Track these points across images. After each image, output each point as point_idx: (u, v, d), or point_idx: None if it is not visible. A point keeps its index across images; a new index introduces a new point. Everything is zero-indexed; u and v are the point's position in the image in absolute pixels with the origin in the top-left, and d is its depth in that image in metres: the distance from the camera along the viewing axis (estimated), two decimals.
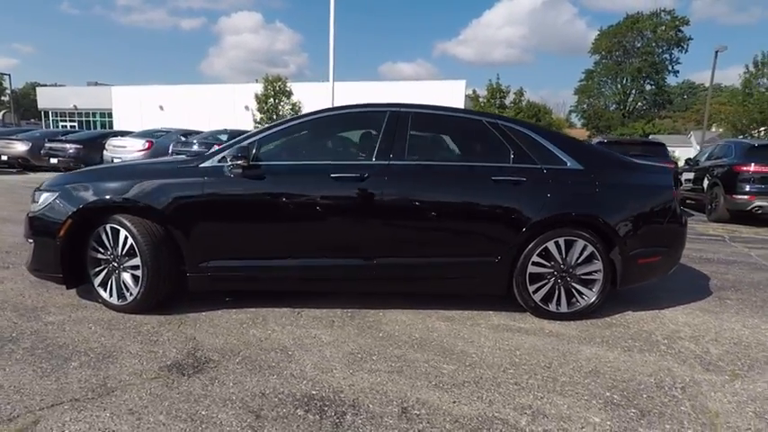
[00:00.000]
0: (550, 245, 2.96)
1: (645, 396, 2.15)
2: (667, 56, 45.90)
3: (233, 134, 11.86)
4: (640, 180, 3.13)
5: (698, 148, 23.81)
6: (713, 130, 28.21)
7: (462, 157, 3.10)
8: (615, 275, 3.04)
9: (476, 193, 2.95)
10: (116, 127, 33.22)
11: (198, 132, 12.86)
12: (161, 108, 34.38)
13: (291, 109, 27.65)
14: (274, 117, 27.49)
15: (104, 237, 2.85)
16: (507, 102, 26.16)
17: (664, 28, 44.23)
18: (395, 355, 2.48)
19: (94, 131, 17.62)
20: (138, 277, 2.80)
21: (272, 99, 28.08)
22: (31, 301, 3.06)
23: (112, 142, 11.38)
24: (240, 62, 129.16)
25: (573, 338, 2.78)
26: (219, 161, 2.88)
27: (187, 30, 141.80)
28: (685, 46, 44.91)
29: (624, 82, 46.76)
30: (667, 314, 3.26)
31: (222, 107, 32.68)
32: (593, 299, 3.02)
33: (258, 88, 28.07)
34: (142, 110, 34.61)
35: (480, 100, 26.42)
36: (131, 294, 2.84)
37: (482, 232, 2.96)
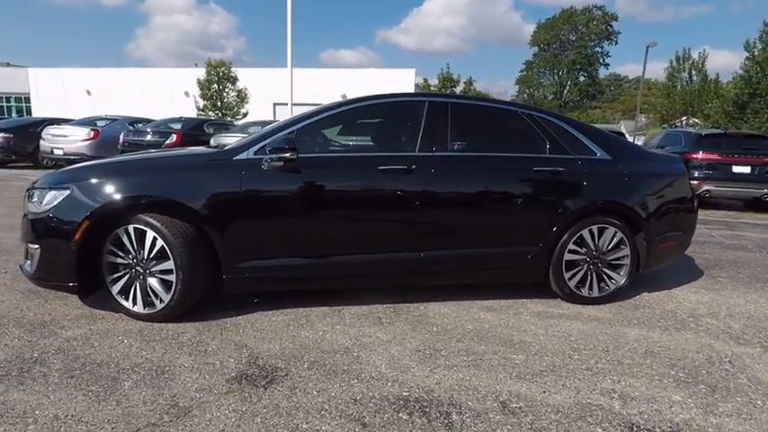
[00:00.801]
0: (585, 232, 3.07)
1: (704, 372, 2.30)
2: (599, 49, 49.16)
3: (188, 122, 11.12)
4: (659, 169, 3.32)
5: (629, 136, 25.76)
6: (642, 119, 30.69)
7: (502, 148, 3.09)
8: (639, 260, 3.21)
9: (520, 183, 2.97)
10: (35, 113, 29.94)
11: (148, 120, 11.88)
12: (88, 93, 31.36)
13: (237, 96, 26.39)
14: (219, 104, 26.14)
15: (126, 239, 2.54)
16: (458, 91, 26.66)
17: (595, 22, 47.20)
18: (461, 349, 2.45)
19: (25, 118, 15.70)
20: (170, 283, 2.54)
21: (215, 85, 26.65)
22: (33, 314, 2.68)
23: (51, 131, 10.17)
24: (172, 44, 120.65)
25: (612, 321, 2.91)
26: (257, 153, 2.66)
27: (110, 8, 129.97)
28: (615, 39, 48.30)
29: (561, 73, 49.46)
30: (678, 294, 3.51)
31: (159, 93, 30.43)
32: (622, 282, 3.17)
33: (200, 73, 26.47)
34: (66, 94, 31.33)
35: (432, 89, 26.72)
36: (162, 302, 2.57)
37: (525, 222, 2.99)
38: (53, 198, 2.52)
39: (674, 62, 27.90)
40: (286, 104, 30.93)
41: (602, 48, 48.58)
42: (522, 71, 53.88)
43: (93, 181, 2.54)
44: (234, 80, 26.85)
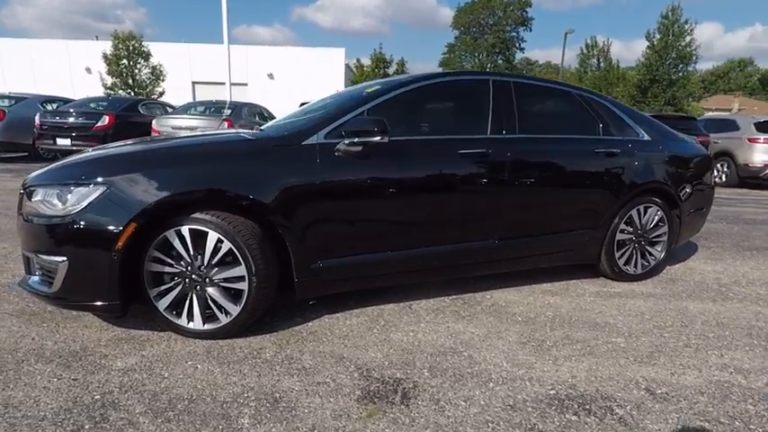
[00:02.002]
0: (633, 212, 3.14)
1: None
2: (515, 34, 51.70)
3: (118, 102, 9.72)
4: (690, 149, 3.49)
5: None
6: None
7: (562, 129, 3.03)
8: (674, 235, 3.39)
9: (584, 165, 2.93)
10: None
11: (64, 100, 10.15)
12: None
13: (152, 73, 23.83)
14: (130, 82, 23.43)
15: (178, 243, 2.08)
16: (390, 71, 26.54)
17: (512, 8, 49.54)
18: (561, 337, 2.37)
19: None
20: (239, 292, 2.14)
21: (125, 60, 23.77)
22: (53, 343, 2.10)
23: None
24: (57, 13, 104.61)
25: (666, 296, 3.03)
26: (327, 136, 2.31)
27: None
28: (529, 25, 51.14)
29: (481, 57, 51.41)
30: (694, 265, 3.77)
31: (53, 68, 26.50)
32: (660, 257, 3.33)
33: (104, 47, 23.41)
34: None
35: (365, 69, 26.30)
36: (228, 315, 2.16)
37: (587, 205, 2.98)
38: (82, 196, 1.97)
39: (584, 49, 30.31)
40: (206, 84, 28.91)
41: (518, 32, 51.30)
42: (444, 54, 55.21)
43: (138, 173, 2.02)
44: (146, 55, 24.18)
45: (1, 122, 8.35)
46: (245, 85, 27.87)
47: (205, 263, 2.11)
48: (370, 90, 2.59)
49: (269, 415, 1.66)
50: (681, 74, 24.51)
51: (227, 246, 2.09)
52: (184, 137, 2.62)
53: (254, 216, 2.16)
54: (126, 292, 2.07)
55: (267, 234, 2.21)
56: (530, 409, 1.76)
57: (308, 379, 1.90)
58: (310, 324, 2.43)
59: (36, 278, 2.16)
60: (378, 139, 2.22)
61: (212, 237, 2.08)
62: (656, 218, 3.25)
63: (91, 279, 1.99)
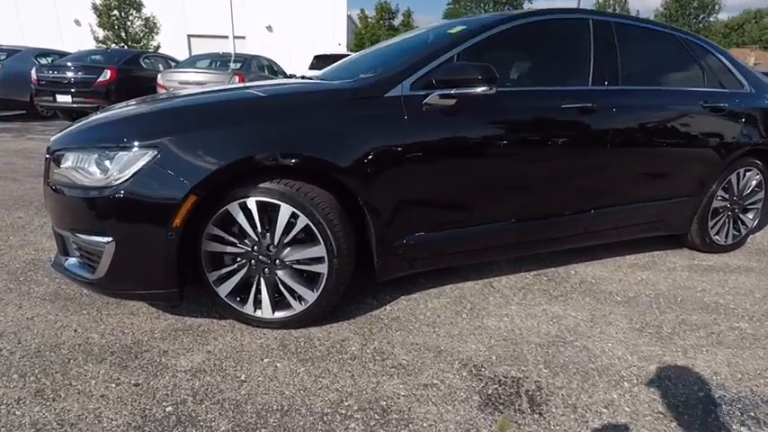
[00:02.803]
0: (733, 176, 2.78)
1: None
2: None
3: (118, 55, 9.03)
4: None
5: None
6: None
7: (667, 80, 2.61)
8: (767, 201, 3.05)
9: (690, 123, 2.52)
10: None
11: (60, 53, 9.41)
12: None
13: (145, 25, 22.53)
14: (123, 35, 22.19)
15: (242, 218, 1.74)
16: (396, 23, 25.24)
17: None
18: (675, 321, 2.06)
19: None
20: (316, 275, 1.81)
21: (116, 12, 22.40)
22: (100, 336, 1.77)
23: None
24: None
25: (766, 271, 2.75)
26: (414, 87, 1.90)
27: None
28: None
29: (487, 7, 49.06)
30: (763, 238, 3.48)
31: (39, 20, 25.05)
32: (753, 226, 3.01)
33: None
34: None
35: (369, 20, 24.98)
36: (303, 301, 1.84)
37: (689, 169, 2.59)
38: (127, 163, 1.58)
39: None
40: (203, 37, 27.49)
41: None
42: (449, 4, 52.64)
43: (195, 133, 1.63)
44: (138, 5, 22.79)
45: None
46: (243, 38, 26.55)
47: (275, 242, 1.77)
48: (453, 31, 2.15)
49: (382, 431, 1.39)
50: (701, 24, 23.42)
51: (302, 221, 1.74)
52: (237, 87, 2.20)
53: (332, 185, 1.81)
54: (183, 277, 1.76)
55: (349, 207, 1.87)
56: (686, 417, 1.49)
57: (411, 380, 1.61)
58: (388, 308, 2.13)
59: (74, 261, 1.82)
60: (483, 89, 1.80)
61: (285, 211, 1.73)
62: (754, 182, 2.88)
63: (143, 263, 1.65)
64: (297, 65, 16.50)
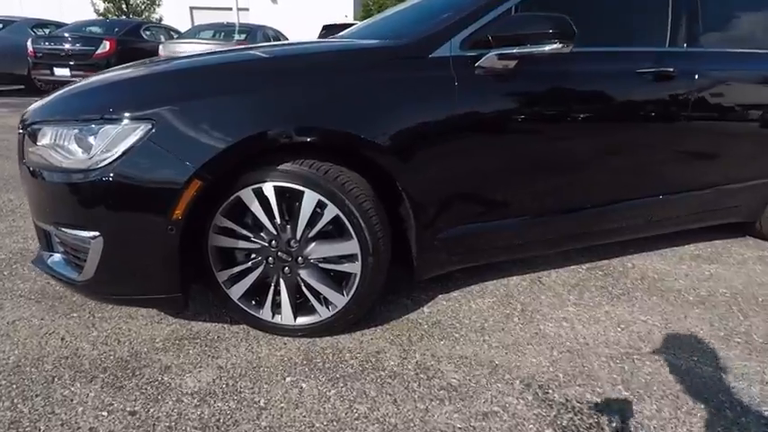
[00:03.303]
0: None
1: None
2: None
3: (118, 25, 8.60)
4: None
5: None
6: None
7: (749, 42, 2.23)
8: None
9: None
10: None
11: (57, 24, 8.97)
12: None
13: None
14: (124, 7, 21.53)
15: (257, 207, 1.43)
16: None
17: None
18: (765, 327, 1.76)
19: None
20: (346, 276, 1.51)
21: None
22: (90, 345, 1.49)
23: None
24: None
25: None
26: (464, 45, 1.54)
27: None
28: None
29: None
30: None
31: None
32: None
33: None
34: None
35: None
36: (330, 306, 1.54)
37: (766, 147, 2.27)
38: (114, 140, 1.26)
39: None
40: (206, 9, 26.67)
41: None
42: None
43: (198, 102, 1.30)
44: None
45: None
46: (247, 10, 25.70)
47: (297, 235, 1.46)
48: None
49: None
50: None
51: (331, 212, 1.43)
52: (249, 47, 1.85)
53: (365, 167, 1.49)
54: (187, 278, 1.47)
55: (385, 193, 1.55)
56: None
57: (466, 407, 1.33)
58: (426, 310, 1.84)
59: (59, 258, 1.53)
60: (553, 48, 1.45)
61: (309, 198, 1.41)
62: None
63: (138, 263, 1.35)
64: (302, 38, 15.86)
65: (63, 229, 1.41)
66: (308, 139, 1.36)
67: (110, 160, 1.26)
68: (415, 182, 1.50)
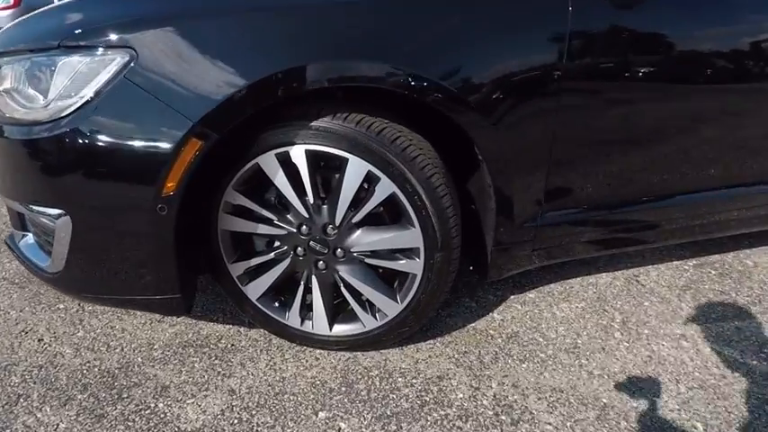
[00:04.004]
0: None
1: None
2: None
3: None
4: None
5: None
6: None
7: None
8: None
9: None
10: None
11: None
12: None
13: None
14: None
15: (282, 179, 1.03)
16: None
17: None
18: None
19: None
20: (402, 276, 1.11)
21: None
22: (72, 350, 1.17)
23: None
24: None
25: None
26: None
27: None
28: None
29: None
30: None
31: None
32: None
33: None
34: None
35: None
36: (379, 314, 1.13)
37: None
38: (82, 76, 0.87)
39: None
40: None
41: None
42: None
43: (196, 23, 0.89)
44: None
45: (17, 10, 7.13)
46: None
47: (336, 219, 1.06)
48: None
49: None
50: None
51: (385, 188, 1.01)
52: None
53: (433, 128, 1.08)
54: (188, 273, 1.12)
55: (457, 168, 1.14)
56: None
57: None
58: (497, 316, 1.45)
59: (32, 241, 1.21)
60: None
61: (355, 168, 0.99)
62: None
63: (119, 253, 1.00)
64: None
65: (29, 205, 1.07)
66: (362, 82, 0.95)
67: (73, 108, 0.88)
68: (503, 148, 1.06)
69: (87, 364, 1.16)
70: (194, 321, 1.33)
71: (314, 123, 0.97)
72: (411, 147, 0.99)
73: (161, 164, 0.88)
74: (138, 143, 0.88)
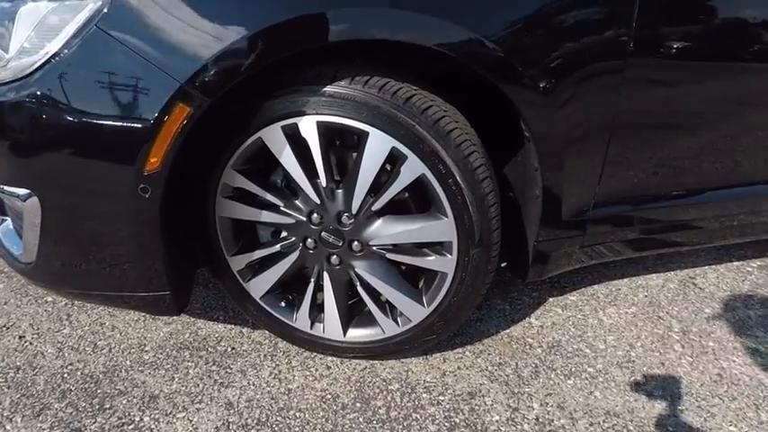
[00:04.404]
0: None
1: None
2: None
3: None
4: None
5: None
6: None
7: None
8: None
9: None
10: None
11: None
12: None
13: None
14: None
15: (289, 157, 0.86)
16: None
17: None
18: None
19: None
20: (432, 276, 0.93)
21: None
22: (54, 350, 1.03)
23: None
24: None
25: None
26: None
27: None
28: None
29: None
30: None
31: None
32: None
33: None
34: None
35: None
36: (401, 319, 0.96)
37: None
38: (46, 25, 0.72)
39: None
40: None
41: None
42: None
43: None
44: None
45: None
46: None
47: (353, 207, 0.89)
48: None
49: None
50: None
51: (413, 169, 0.82)
52: None
53: (470, 98, 0.91)
54: (181, 267, 0.98)
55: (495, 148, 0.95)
56: None
57: None
58: (535, 321, 1.27)
59: (10, 226, 1.08)
60: None
61: (377, 144, 0.81)
62: None
63: (96, 241, 0.86)
64: None
65: (1, 185, 0.93)
66: (393, 36, 0.77)
67: (36, 65, 0.73)
68: (558, 125, 0.88)
69: (69, 367, 1.03)
70: (192, 320, 1.19)
71: (328, 89, 0.80)
72: (446, 119, 0.81)
73: (142, 134, 0.73)
74: (113, 108, 0.73)
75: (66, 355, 1.06)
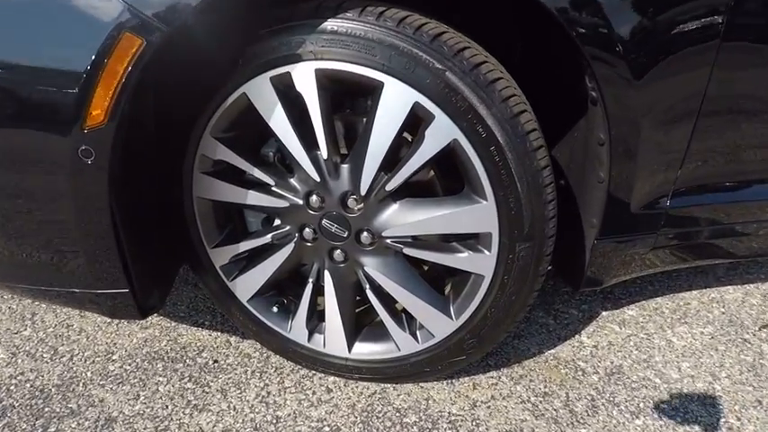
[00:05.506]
0: None
1: None
2: None
3: None
4: None
5: None
6: None
7: None
8: None
9: None
10: None
11: None
12: None
13: None
14: None
15: (282, 120, 0.66)
16: None
17: None
18: None
19: None
20: (463, 278, 0.72)
21: None
22: (8, 356, 0.95)
23: None
24: None
25: None
26: None
27: None
28: None
29: None
30: None
31: None
32: None
33: None
34: None
35: None
36: (423, 334, 0.75)
37: None
38: None
39: None
40: None
41: None
42: None
43: None
44: None
45: None
46: None
47: (362, 186, 0.69)
48: None
49: None
50: None
51: (441, 132, 0.61)
52: None
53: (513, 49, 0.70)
54: (149, 260, 0.80)
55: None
56: None
57: None
58: (587, 341, 1.03)
59: None
60: None
61: (393, 99, 0.61)
62: None
63: (36, 225, 0.69)
64: None
65: None
66: None
67: None
68: (640, 95, 0.68)
69: (20, 377, 0.86)
70: (174, 324, 1.01)
71: (330, 24, 0.61)
72: (487, 65, 0.61)
73: (79, 77, 0.55)
74: (39, 42, 0.55)
75: (20, 361, 0.89)
